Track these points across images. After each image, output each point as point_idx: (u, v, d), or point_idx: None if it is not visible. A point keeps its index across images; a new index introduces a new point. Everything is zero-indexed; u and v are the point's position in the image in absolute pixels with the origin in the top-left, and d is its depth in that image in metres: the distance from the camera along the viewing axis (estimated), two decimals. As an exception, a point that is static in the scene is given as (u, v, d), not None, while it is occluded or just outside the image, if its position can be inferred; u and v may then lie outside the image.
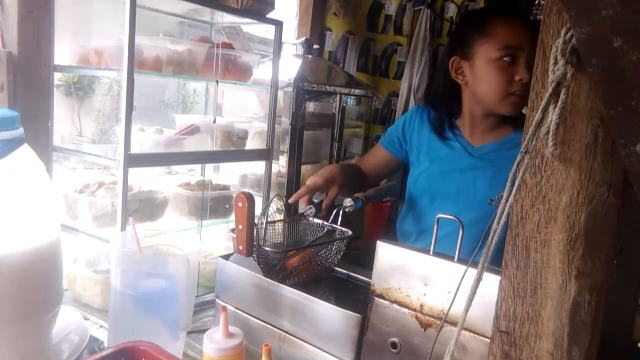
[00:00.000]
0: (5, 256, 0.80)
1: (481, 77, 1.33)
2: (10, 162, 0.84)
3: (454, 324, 0.80)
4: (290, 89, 1.79)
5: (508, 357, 0.66)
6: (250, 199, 1.05)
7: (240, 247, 1.07)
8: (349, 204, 1.19)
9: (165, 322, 1.00)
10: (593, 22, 0.46)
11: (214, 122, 1.51)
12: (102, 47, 1.30)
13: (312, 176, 1.39)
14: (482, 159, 1.40)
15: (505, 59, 1.28)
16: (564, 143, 0.58)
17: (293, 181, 1.86)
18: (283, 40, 1.64)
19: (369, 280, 0.95)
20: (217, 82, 1.47)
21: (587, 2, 0.46)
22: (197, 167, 1.73)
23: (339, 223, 1.14)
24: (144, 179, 1.45)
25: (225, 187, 1.64)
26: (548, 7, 0.58)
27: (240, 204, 1.05)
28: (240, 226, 1.06)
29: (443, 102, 1.48)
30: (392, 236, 1.62)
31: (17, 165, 0.85)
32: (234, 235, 1.07)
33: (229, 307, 1.07)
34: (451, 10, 2.81)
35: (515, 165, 0.60)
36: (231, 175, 1.85)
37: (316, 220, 1.25)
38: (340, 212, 1.18)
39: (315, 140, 2.01)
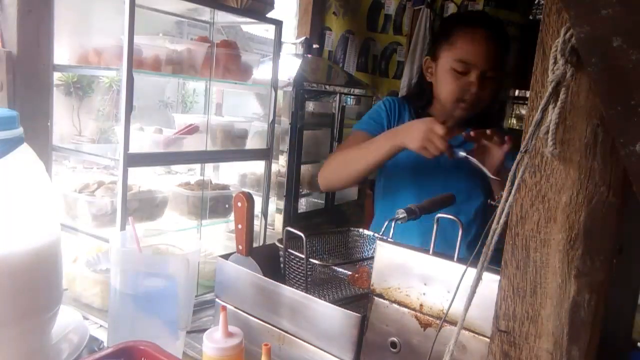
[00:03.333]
0: (5, 256, 0.80)
1: (440, 79, 1.44)
2: (10, 161, 0.84)
3: (453, 323, 0.80)
4: (290, 88, 1.79)
5: (508, 356, 0.66)
6: (249, 198, 1.05)
7: (240, 247, 1.07)
8: (401, 216, 1.11)
9: (164, 321, 1.00)
10: (593, 21, 0.46)
11: (210, 121, 1.51)
12: (102, 46, 1.30)
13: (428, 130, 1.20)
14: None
15: (459, 70, 1.37)
16: (563, 143, 0.58)
17: (293, 181, 1.86)
18: (283, 39, 1.64)
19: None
20: (208, 80, 1.47)
21: (587, 1, 0.46)
22: (197, 166, 1.73)
23: (390, 235, 1.06)
24: (144, 178, 1.45)
25: (225, 187, 1.64)
26: (548, 6, 0.58)
27: (239, 204, 1.05)
28: (240, 226, 1.06)
29: (418, 95, 1.55)
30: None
31: (16, 164, 0.85)
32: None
33: (229, 306, 1.07)
34: (451, 10, 2.81)
35: (515, 165, 0.60)
36: (231, 174, 1.85)
37: (366, 232, 1.23)
38: (392, 224, 1.08)
39: (315, 139, 2.01)
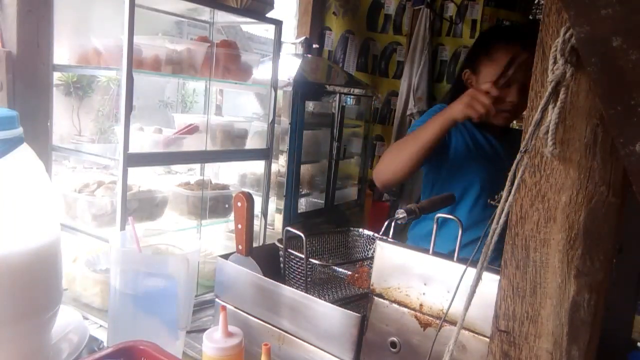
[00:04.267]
0: (5, 256, 0.80)
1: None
2: (10, 161, 0.84)
3: (453, 323, 0.80)
4: (289, 88, 1.79)
5: (507, 356, 0.66)
6: (249, 198, 1.05)
7: (240, 247, 1.07)
8: (401, 216, 1.11)
9: (164, 321, 1.00)
10: (592, 21, 0.46)
11: (210, 121, 1.51)
12: (102, 46, 1.30)
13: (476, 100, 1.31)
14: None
15: (501, 84, 1.43)
16: (563, 142, 0.58)
17: (292, 181, 1.86)
18: (283, 39, 1.64)
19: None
20: (208, 80, 1.47)
21: (587, 1, 0.46)
22: (197, 166, 1.73)
23: (390, 235, 1.06)
24: (144, 178, 1.44)
25: (225, 187, 1.64)
26: (547, 6, 0.58)
27: (239, 204, 1.05)
28: (240, 226, 1.06)
29: None
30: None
31: (16, 164, 0.85)
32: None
33: (229, 306, 1.07)
34: (450, 10, 2.82)
35: (514, 165, 0.60)
36: (231, 174, 1.85)
37: (366, 232, 1.24)
38: (392, 224, 1.12)
39: (315, 139, 2.01)
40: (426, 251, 0.87)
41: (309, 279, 1.04)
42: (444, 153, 1.53)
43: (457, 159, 1.54)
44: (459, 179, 1.53)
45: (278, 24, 1.57)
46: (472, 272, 0.63)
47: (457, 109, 1.30)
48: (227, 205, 1.60)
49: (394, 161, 1.43)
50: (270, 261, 1.11)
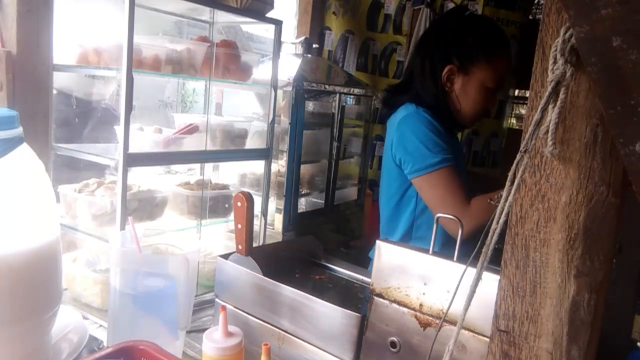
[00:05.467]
0: (5, 256, 0.80)
1: (470, 95, 1.45)
2: (10, 161, 0.84)
3: (453, 323, 0.80)
4: (289, 88, 1.79)
5: (507, 356, 0.66)
6: (249, 198, 1.05)
7: (240, 247, 1.07)
8: None
9: (164, 321, 1.00)
10: (592, 21, 0.46)
11: (210, 121, 1.51)
12: (101, 46, 1.30)
13: None
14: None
15: (492, 89, 1.44)
16: (563, 142, 0.58)
17: (292, 181, 1.86)
18: (282, 39, 1.64)
19: (369, 279, 0.95)
20: (208, 80, 1.47)
21: (587, 1, 0.45)
22: (197, 166, 1.73)
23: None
24: (143, 178, 1.44)
25: (225, 187, 1.64)
26: (547, 6, 0.58)
27: (239, 204, 1.05)
28: (240, 225, 1.06)
29: (444, 106, 1.51)
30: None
31: (16, 164, 0.85)
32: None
33: (229, 306, 1.07)
34: (450, 10, 2.81)
35: (514, 165, 0.60)
36: (230, 174, 1.84)
37: None
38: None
39: (315, 139, 2.01)
40: (426, 251, 0.87)
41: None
42: None
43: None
44: None
45: (278, 23, 1.57)
46: (472, 272, 0.63)
47: None
48: (227, 205, 1.60)
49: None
50: (270, 261, 1.11)
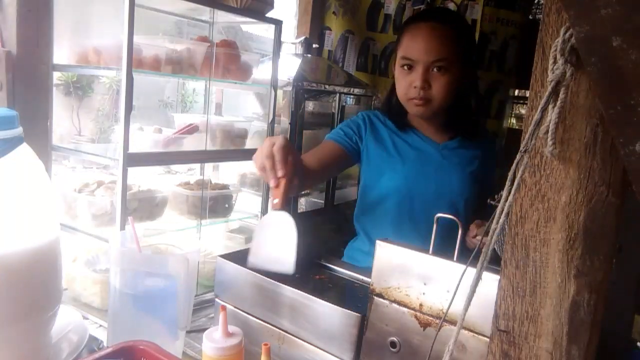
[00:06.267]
0: (5, 255, 0.80)
1: (395, 77, 1.42)
2: (10, 161, 0.84)
3: (453, 323, 0.80)
4: (289, 88, 1.79)
5: (507, 356, 0.66)
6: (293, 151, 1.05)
7: (275, 201, 1.05)
8: None
9: (164, 321, 1.00)
10: (592, 21, 0.46)
11: (210, 121, 1.51)
12: (101, 46, 1.30)
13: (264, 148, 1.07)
14: (449, 157, 1.46)
15: (404, 67, 1.36)
16: (563, 142, 0.58)
17: (292, 180, 1.86)
18: (282, 39, 1.64)
19: (369, 279, 0.95)
20: (208, 80, 1.47)
21: (587, 1, 0.46)
22: (197, 166, 1.73)
23: None
24: (143, 178, 1.45)
25: (225, 187, 1.64)
26: (547, 6, 0.58)
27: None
28: (276, 200, 1.05)
29: (390, 104, 1.50)
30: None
31: (16, 164, 0.85)
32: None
33: (229, 306, 1.07)
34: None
35: (514, 164, 0.60)
36: (230, 174, 1.85)
37: None
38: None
39: (315, 139, 2.01)
40: (426, 251, 0.87)
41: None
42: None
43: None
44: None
45: (278, 23, 1.57)
46: (471, 272, 0.63)
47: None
48: (227, 205, 1.60)
49: None
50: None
